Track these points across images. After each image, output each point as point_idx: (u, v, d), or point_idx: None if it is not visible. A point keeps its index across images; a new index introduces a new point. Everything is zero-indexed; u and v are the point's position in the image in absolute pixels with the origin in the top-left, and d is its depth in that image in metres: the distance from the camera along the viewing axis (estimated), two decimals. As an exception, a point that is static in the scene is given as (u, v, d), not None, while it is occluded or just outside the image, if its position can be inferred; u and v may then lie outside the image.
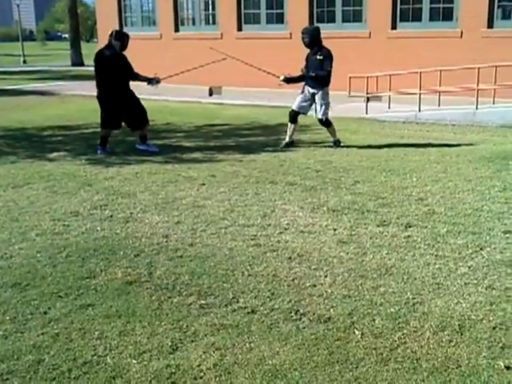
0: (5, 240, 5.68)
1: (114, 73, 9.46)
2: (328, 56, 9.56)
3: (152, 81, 9.96)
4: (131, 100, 9.76)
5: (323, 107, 9.76)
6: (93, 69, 10.00)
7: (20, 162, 9.20)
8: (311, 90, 9.77)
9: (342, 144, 9.98)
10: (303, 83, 9.99)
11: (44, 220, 6.27)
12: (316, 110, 9.87)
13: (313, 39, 9.64)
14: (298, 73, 9.92)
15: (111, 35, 9.63)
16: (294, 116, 10.04)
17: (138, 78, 9.78)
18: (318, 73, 9.53)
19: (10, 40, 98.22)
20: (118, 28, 19.73)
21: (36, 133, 12.16)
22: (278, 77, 10.02)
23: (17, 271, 4.93)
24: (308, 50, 9.82)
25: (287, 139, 10.12)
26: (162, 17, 19.33)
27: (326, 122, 9.93)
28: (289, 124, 10.15)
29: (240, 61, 10.57)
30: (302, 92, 9.97)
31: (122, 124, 9.98)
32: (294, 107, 9.98)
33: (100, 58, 9.62)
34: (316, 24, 16.11)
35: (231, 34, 17.51)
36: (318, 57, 9.55)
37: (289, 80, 9.99)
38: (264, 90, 15.95)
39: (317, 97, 9.73)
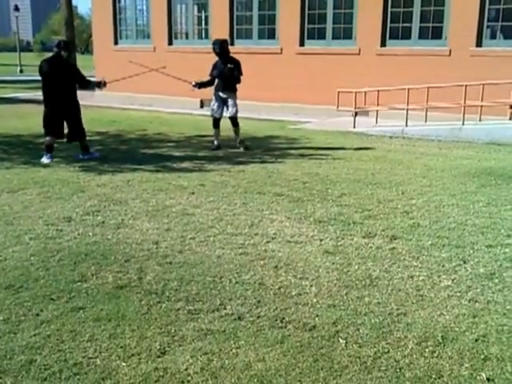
0: (-1, 243, 5.73)
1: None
2: (238, 65, 10.78)
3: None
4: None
5: (235, 107, 10.93)
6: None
7: (15, 168, 9.24)
8: (223, 95, 10.91)
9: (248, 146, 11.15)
10: (213, 92, 11.03)
11: (38, 224, 6.32)
12: (228, 111, 10.97)
13: (222, 50, 10.77)
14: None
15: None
16: (218, 122, 11.10)
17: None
18: (236, 80, 10.76)
19: (7, 50, 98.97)
20: (113, 41, 19.92)
21: (31, 140, 12.20)
22: (191, 83, 11.04)
23: (10, 273, 4.96)
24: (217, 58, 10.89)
25: (216, 143, 11.19)
26: (156, 30, 19.53)
27: (237, 121, 11.06)
28: (214, 130, 11.21)
29: (161, 72, 11.38)
30: (216, 99, 11.01)
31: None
32: (217, 115, 11.05)
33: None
34: (307, 40, 16.45)
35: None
36: (230, 65, 10.71)
37: (200, 85, 11.06)
38: (253, 104, 16.10)
39: (230, 100, 10.89)
